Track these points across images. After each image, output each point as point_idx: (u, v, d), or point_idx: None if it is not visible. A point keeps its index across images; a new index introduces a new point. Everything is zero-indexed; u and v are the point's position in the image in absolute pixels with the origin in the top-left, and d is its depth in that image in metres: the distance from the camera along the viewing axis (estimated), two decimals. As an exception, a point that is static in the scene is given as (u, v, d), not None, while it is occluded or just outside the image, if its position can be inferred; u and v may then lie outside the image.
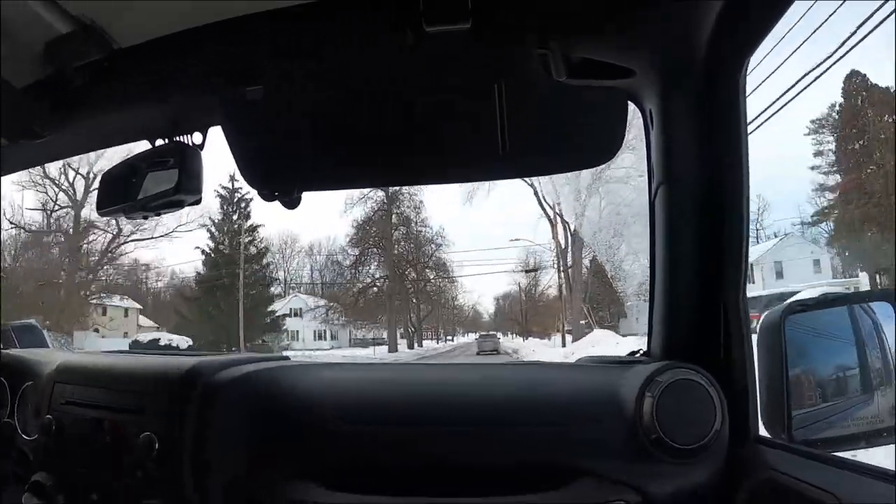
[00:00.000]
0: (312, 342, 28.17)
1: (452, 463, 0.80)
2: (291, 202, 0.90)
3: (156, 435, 0.82)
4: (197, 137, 0.94)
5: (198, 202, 0.90)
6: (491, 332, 30.11)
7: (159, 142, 0.95)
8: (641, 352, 0.88)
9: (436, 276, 28.50)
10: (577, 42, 0.76)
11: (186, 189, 0.88)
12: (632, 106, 0.85)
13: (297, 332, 28.27)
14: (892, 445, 0.75)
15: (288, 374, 0.90)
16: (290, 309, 27.69)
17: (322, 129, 0.91)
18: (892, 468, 0.60)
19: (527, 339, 31.78)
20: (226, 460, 0.82)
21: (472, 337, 35.42)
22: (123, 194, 0.95)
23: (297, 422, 0.83)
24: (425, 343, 33.12)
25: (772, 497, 0.68)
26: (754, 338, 0.78)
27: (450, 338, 40.45)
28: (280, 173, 0.92)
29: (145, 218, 0.98)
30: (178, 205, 0.91)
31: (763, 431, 0.77)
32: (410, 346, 27.38)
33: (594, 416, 0.78)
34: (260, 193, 0.91)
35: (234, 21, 0.78)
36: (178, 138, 0.93)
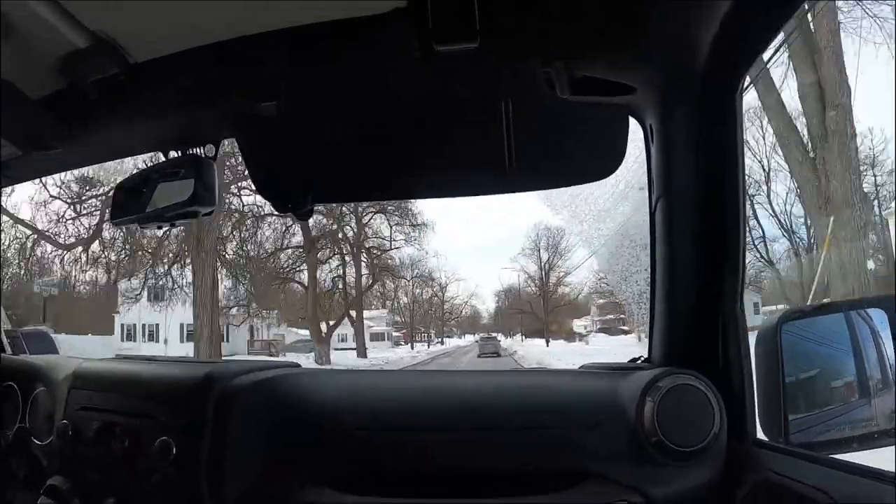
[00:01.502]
0: (178, 344, 17.18)
1: (461, 466, 0.82)
2: (303, 214, 0.93)
3: (173, 440, 0.84)
4: (209, 149, 0.96)
5: (212, 213, 0.92)
6: (492, 335, 26.94)
7: (172, 153, 0.98)
8: (643, 358, 0.91)
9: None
10: (579, 60, 0.78)
11: (202, 200, 0.90)
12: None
13: (157, 325, 17.63)
14: (891, 448, 0.77)
15: (301, 380, 0.91)
16: (149, 289, 15.89)
17: (334, 143, 0.93)
18: (889, 469, 0.62)
19: (548, 341, 23.62)
20: (242, 466, 0.83)
21: (469, 339, 31.28)
22: (137, 204, 0.97)
23: (312, 428, 0.84)
24: (379, 351, 21.36)
25: (769, 497, 0.70)
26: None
27: (438, 340, 30.37)
28: (293, 185, 0.94)
29: (159, 228, 1.00)
30: (194, 215, 0.93)
31: (761, 435, 0.79)
32: (318, 360, 15.19)
33: (597, 420, 0.80)
34: (273, 205, 0.94)
35: (249, 38, 0.80)
36: (190, 150, 0.95)
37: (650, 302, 0.88)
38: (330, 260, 17.98)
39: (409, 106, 0.92)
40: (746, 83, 0.79)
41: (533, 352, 19.22)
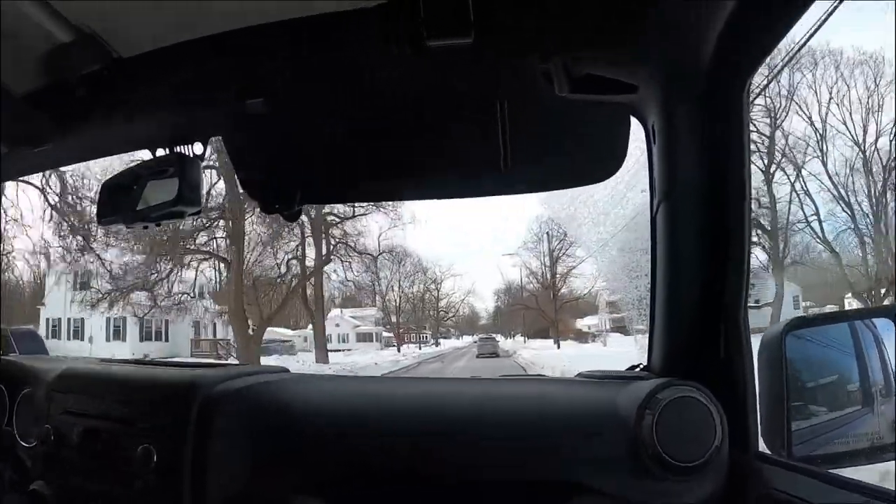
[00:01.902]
0: (104, 343, 14.45)
1: (453, 476, 0.80)
2: (291, 215, 0.91)
3: (155, 446, 0.82)
4: (197, 147, 0.94)
5: (198, 213, 0.90)
6: (491, 335, 25.78)
7: (160, 151, 0.95)
8: (641, 366, 0.88)
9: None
10: (579, 57, 0.76)
11: (187, 200, 0.88)
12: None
13: (82, 320, 14.31)
14: (892, 462, 0.75)
15: (287, 386, 0.90)
16: (75, 276, 12.77)
17: (323, 142, 0.91)
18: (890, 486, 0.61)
19: (559, 342, 20.44)
20: (225, 473, 0.82)
21: (467, 340, 29.95)
22: (123, 203, 0.95)
23: (297, 434, 0.83)
24: (360, 353, 17.88)
25: None
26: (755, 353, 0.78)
27: (433, 342, 27.17)
28: (280, 185, 0.92)
29: (145, 228, 0.98)
30: (180, 215, 0.91)
31: (763, 447, 0.77)
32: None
33: (594, 431, 0.78)
34: (260, 205, 0.92)
35: (236, 33, 0.78)
36: (178, 148, 0.93)
37: (650, 307, 0.85)
38: (279, 234, 13.52)
39: (402, 105, 0.89)
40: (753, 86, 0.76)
41: (545, 356, 14.61)
